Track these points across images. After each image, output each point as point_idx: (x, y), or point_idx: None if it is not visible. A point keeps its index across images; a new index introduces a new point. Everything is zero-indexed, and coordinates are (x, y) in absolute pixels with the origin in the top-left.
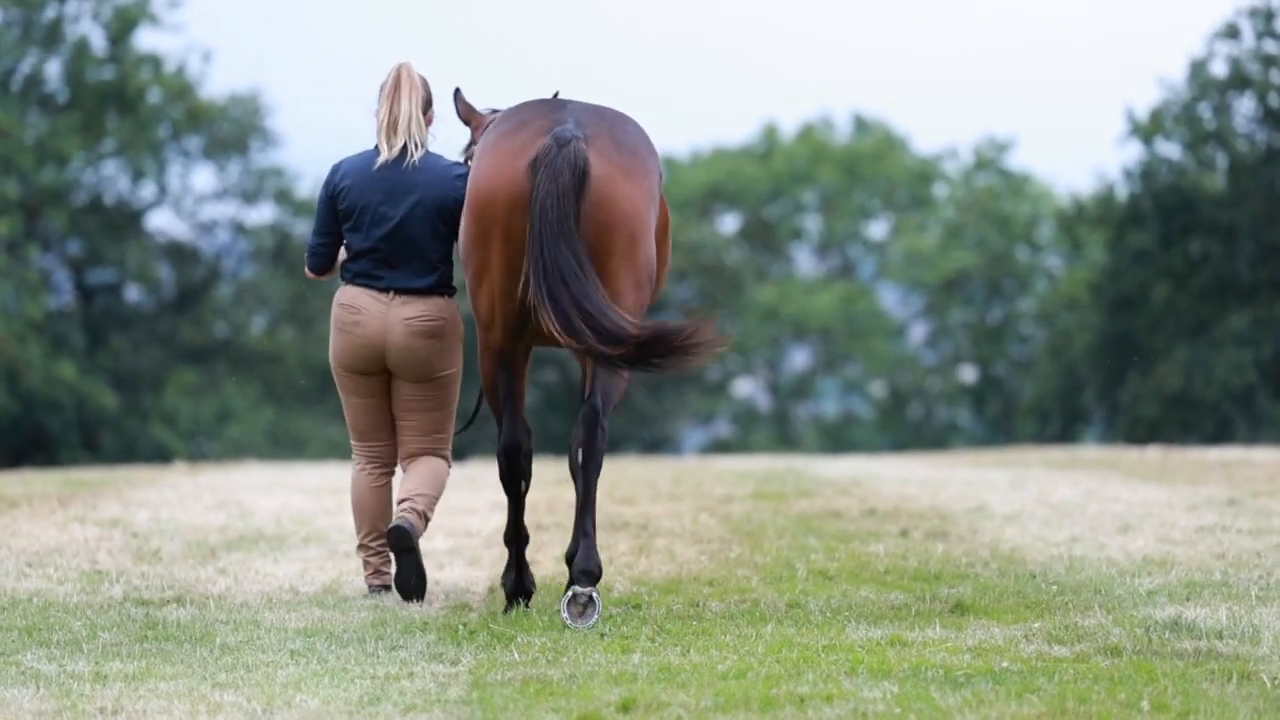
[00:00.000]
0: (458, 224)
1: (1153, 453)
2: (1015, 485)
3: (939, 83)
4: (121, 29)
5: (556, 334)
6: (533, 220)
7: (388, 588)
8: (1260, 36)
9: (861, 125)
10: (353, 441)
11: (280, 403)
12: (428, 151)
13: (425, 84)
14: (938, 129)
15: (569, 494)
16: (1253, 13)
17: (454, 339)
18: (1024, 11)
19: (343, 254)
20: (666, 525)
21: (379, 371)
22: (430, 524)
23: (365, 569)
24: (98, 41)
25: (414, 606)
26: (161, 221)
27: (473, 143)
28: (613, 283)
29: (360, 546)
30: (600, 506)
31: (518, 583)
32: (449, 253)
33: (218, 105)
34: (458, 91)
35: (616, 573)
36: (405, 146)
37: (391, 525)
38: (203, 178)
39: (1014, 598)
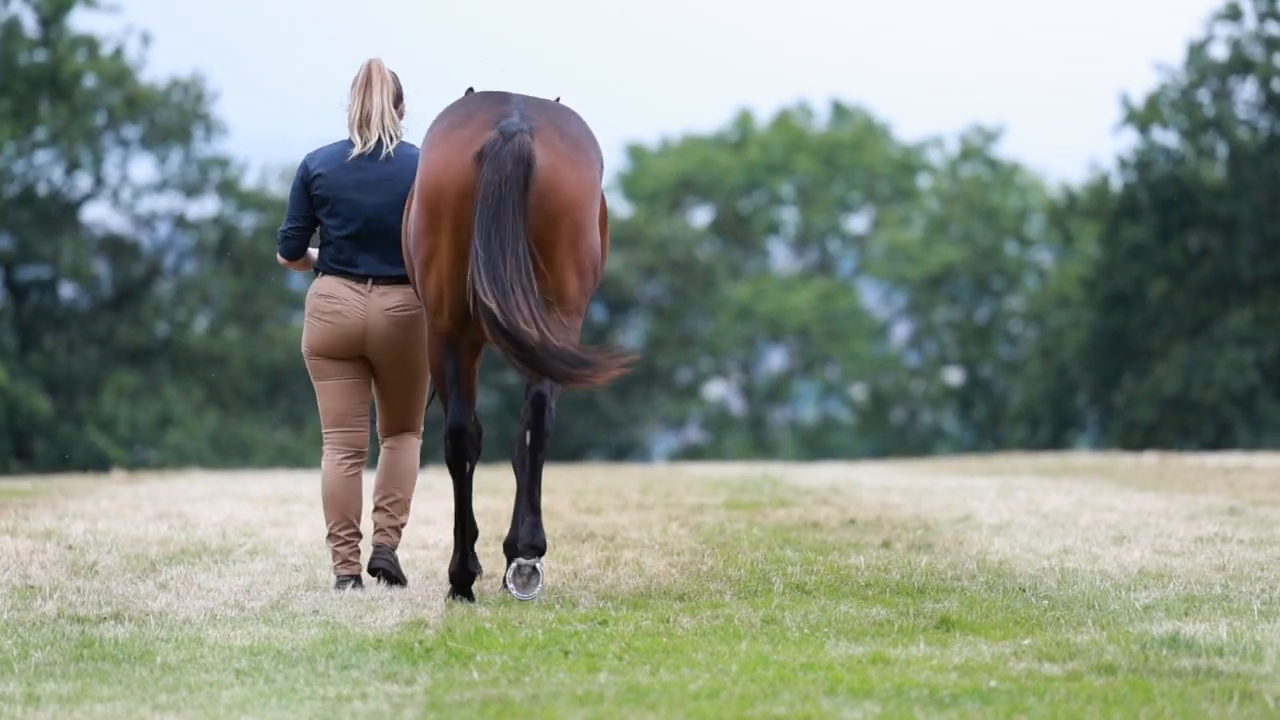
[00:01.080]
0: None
1: (1149, 459)
2: (1004, 494)
3: (923, 66)
4: (54, 10)
5: (472, 314)
6: (477, 209)
7: (356, 578)
8: (1263, 18)
9: (841, 112)
10: (326, 429)
11: (225, 407)
12: (401, 142)
13: (395, 79)
14: (921, 116)
15: None
16: None
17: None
18: None
19: (313, 251)
20: (635, 536)
21: (357, 357)
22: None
23: (334, 559)
24: (29, 23)
25: (367, 622)
26: (98, 214)
27: None
28: (558, 271)
29: (330, 536)
30: (564, 516)
31: (461, 568)
32: None
33: (158, 91)
34: (470, 90)
35: (581, 586)
36: (379, 140)
37: (371, 566)
38: (142, 168)
39: (1003, 613)
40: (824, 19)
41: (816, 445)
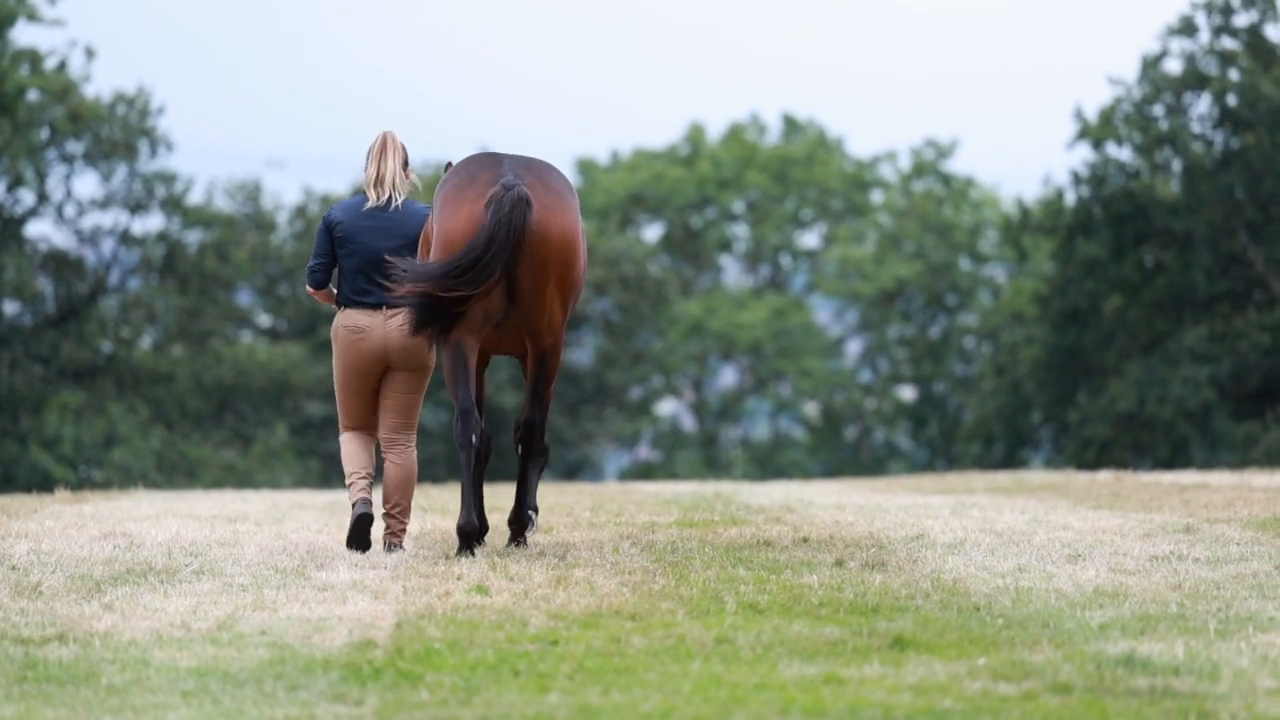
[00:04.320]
0: (427, 252)
1: (1104, 477)
2: (957, 512)
3: (875, 81)
4: None
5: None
6: (482, 235)
7: (369, 503)
8: (1217, 32)
9: (793, 126)
10: (343, 423)
11: (171, 426)
12: (406, 199)
13: (404, 148)
14: (874, 130)
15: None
16: (1209, 7)
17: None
18: (968, 6)
19: (332, 288)
20: (586, 555)
21: (380, 370)
22: (334, 555)
23: (351, 493)
24: None
25: (315, 643)
26: (41, 230)
27: None
28: (550, 302)
29: (349, 476)
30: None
31: (468, 521)
32: None
33: (102, 106)
34: (447, 166)
35: (532, 606)
36: (390, 196)
37: (359, 514)
38: (86, 183)
39: (957, 632)
40: (776, 33)
41: (769, 463)
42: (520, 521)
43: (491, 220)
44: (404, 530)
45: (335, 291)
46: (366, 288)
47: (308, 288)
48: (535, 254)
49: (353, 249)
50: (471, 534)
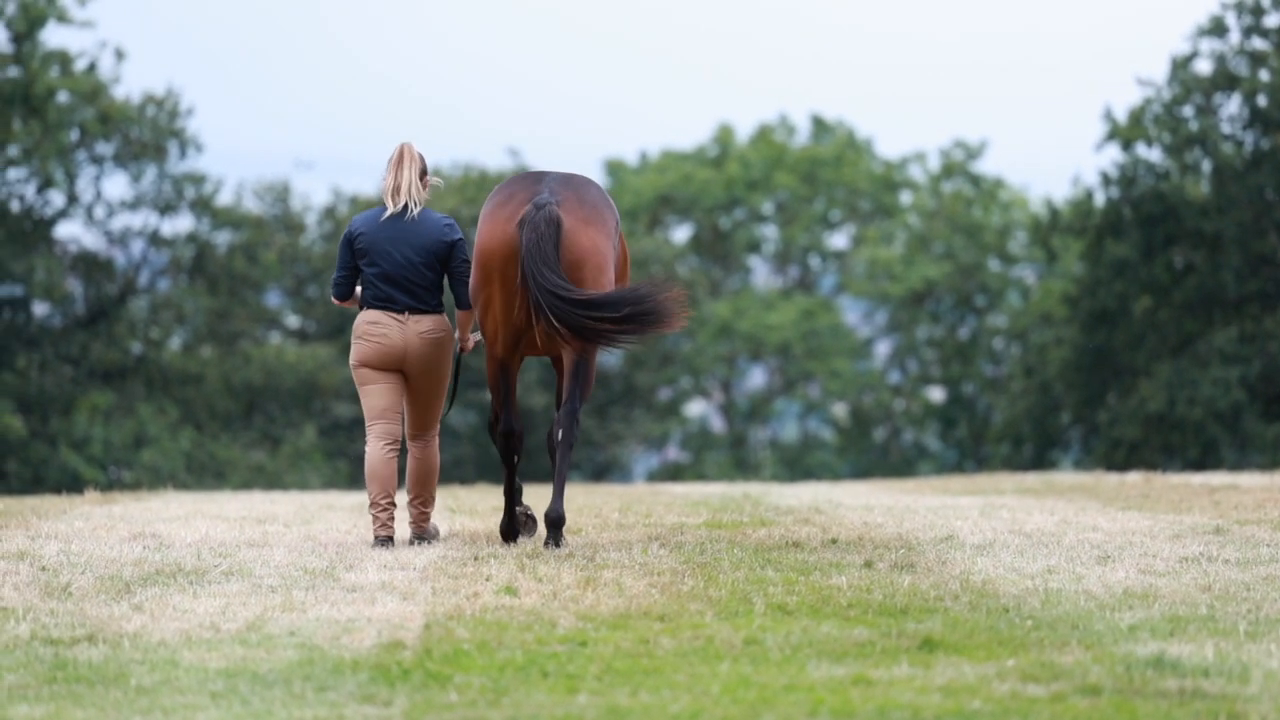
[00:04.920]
0: (446, 260)
1: (1133, 478)
2: (986, 513)
3: (904, 82)
4: (27, 26)
5: (554, 327)
6: (523, 259)
7: (390, 539)
8: (1248, 33)
9: (821, 127)
10: (369, 423)
11: (200, 427)
12: (423, 208)
13: (422, 158)
14: (903, 131)
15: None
16: (1240, 7)
17: (449, 344)
18: (997, 6)
19: (358, 290)
20: (614, 556)
21: (395, 369)
22: (363, 556)
23: (374, 523)
24: (1, 39)
25: (344, 643)
26: (71, 232)
27: None
28: None
29: (372, 504)
30: (543, 535)
31: (509, 527)
32: (439, 281)
33: (132, 107)
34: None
35: (561, 607)
36: (406, 205)
37: (411, 540)
38: (116, 185)
39: (986, 633)
40: (805, 34)
41: (798, 464)
42: (557, 517)
43: (525, 239)
44: (426, 517)
45: (359, 294)
46: (388, 294)
47: (332, 299)
48: (568, 262)
49: (374, 258)
50: (513, 535)
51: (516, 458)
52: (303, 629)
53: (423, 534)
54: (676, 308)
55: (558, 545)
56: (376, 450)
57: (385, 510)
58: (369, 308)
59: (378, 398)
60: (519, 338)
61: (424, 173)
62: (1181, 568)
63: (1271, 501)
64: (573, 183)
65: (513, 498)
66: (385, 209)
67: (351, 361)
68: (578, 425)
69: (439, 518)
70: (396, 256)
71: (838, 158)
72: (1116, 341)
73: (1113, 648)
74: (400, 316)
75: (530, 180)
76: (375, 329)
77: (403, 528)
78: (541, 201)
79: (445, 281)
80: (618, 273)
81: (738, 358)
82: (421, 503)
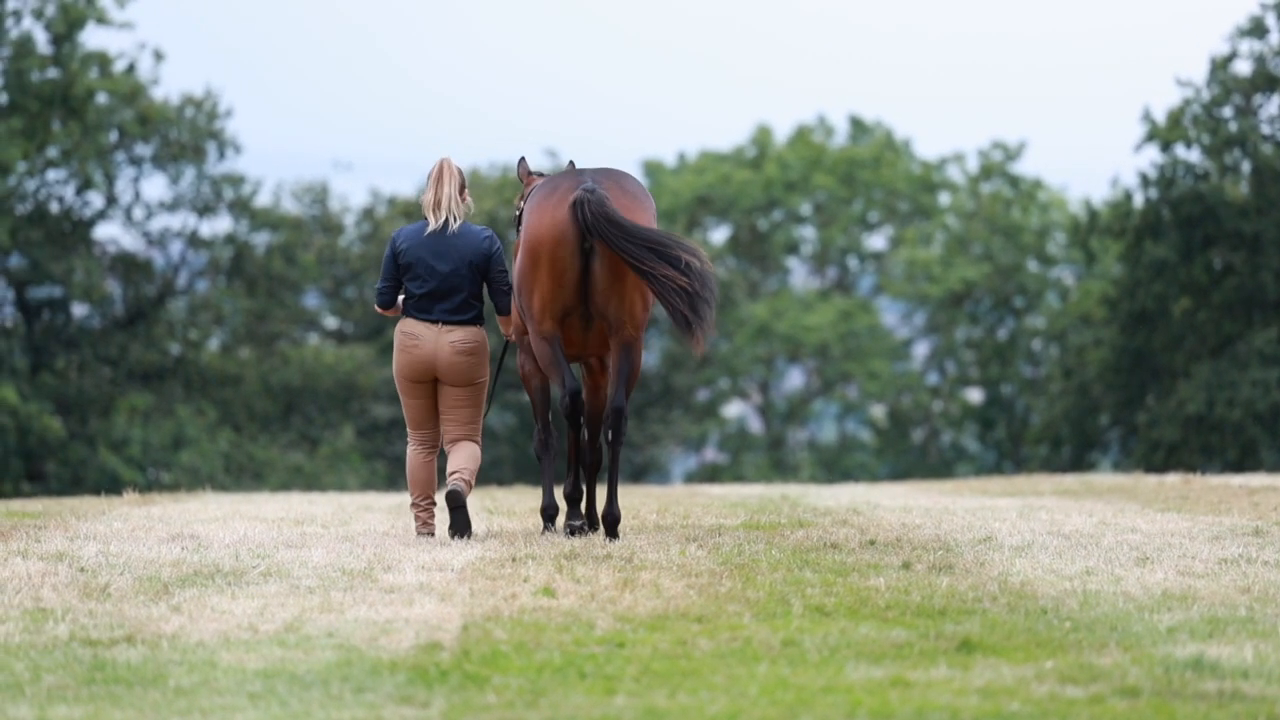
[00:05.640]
0: (485, 270)
1: (1172, 479)
2: (1025, 514)
3: (943, 83)
4: (66, 27)
5: (665, 283)
6: (583, 235)
7: (431, 533)
8: None
9: (860, 127)
10: (409, 430)
11: (238, 428)
12: (463, 222)
13: (461, 173)
14: (942, 132)
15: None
16: (1279, 8)
17: (484, 355)
18: (1036, 7)
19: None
20: (652, 557)
21: (430, 379)
22: (400, 557)
23: (416, 521)
24: (40, 40)
25: (382, 645)
26: (110, 233)
27: (523, 195)
28: (631, 293)
29: (413, 504)
30: (577, 538)
31: (574, 488)
32: (479, 292)
33: (170, 108)
34: (521, 159)
35: (599, 608)
36: (446, 220)
37: (448, 490)
38: (154, 186)
39: (1024, 635)
40: (843, 35)
41: (836, 465)
42: (615, 514)
43: (585, 211)
44: (469, 485)
45: (401, 303)
46: (428, 304)
47: (376, 307)
48: (612, 249)
49: (416, 271)
50: (576, 502)
51: (582, 419)
52: (341, 630)
53: (458, 496)
54: (707, 309)
55: (615, 537)
56: (416, 455)
57: (426, 510)
58: (408, 316)
59: (416, 408)
60: (565, 318)
61: (463, 187)
62: (1220, 569)
63: None
64: (613, 175)
65: (579, 458)
66: (427, 223)
67: (394, 370)
68: (625, 422)
69: (476, 520)
70: (438, 268)
71: (876, 159)
72: (1155, 343)
73: (1151, 649)
74: (433, 326)
75: (573, 174)
76: (408, 339)
77: (442, 530)
78: (590, 188)
79: (485, 292)
80: None
81: (776, 359)
82: (461, 477)
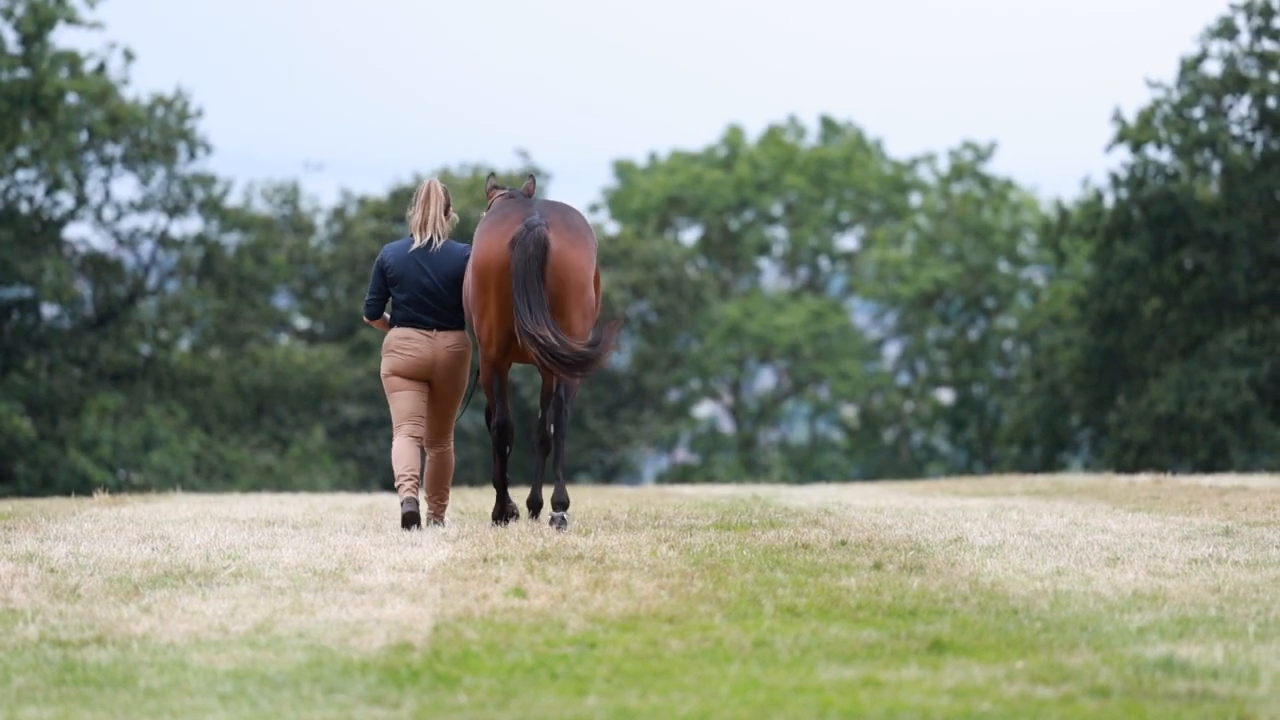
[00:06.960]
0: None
1: (1143, 480)
2: (996, 515)
3: (914, 83)
4: (36, 27)
5: (528, 347)
6: (514, 276)
7: (415, 506)
8: (1257, 34)
9: (831, 128)
10: (396, 424)
11: (209, 429)
12: (446, 240)
13: (446, 193)
14: (913, 133)
15: (517, 527)
16: (1249, 9)
17: (468, 355)
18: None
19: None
20: (624, 558)
21: (427, 379)
22: (371, 558)
23: (400, 494)
24: (10, 40)
25: (353, 645)
26: (80, 233)
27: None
28: (569, 315)
29: (397, 478)
30: (552, 537)
31: (501, 512)
32: (460, 303)
33: (141, 108)
34: (490, 175)
35: (570, 609)
36: (431, 238)
37: (406, 511)
38: (124, 186)
39: (995, 635)
40: (814, 35)
41: (807, 466)
42: (563, 498)
43: (516, 257)
44: (444, 509)
45: (389, 318)
46: (416, 315)
47: (364, 318)
48: (554, 278)
49: (403, 285)
50: (505, 518)
51: (508, 449)
52: (311, 631)
53: (440, 521)
54: (608, 353)
55: (565, 525)
56: (402, 440)
57: (410, 481)
58: (400, 325)
59: (405, 403)
60: (510, 343)
61: (448, 207)
62: (1191, 569)
63: None
64: (557, 208)
65: (505, 486)
66: (413, 240)
67: (384, 371)
68: (567, 414)
69: (449, 520)
70: (424, 282)
71: (847, 159)
72: (1126, 343)
73: (1122, 649)
74: (428, 333)
75: (522, 204)
76: (408, 344)
77: (414, 533)
78: (533, 222)
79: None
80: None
81: (747, 359)
82: (439, 499)
